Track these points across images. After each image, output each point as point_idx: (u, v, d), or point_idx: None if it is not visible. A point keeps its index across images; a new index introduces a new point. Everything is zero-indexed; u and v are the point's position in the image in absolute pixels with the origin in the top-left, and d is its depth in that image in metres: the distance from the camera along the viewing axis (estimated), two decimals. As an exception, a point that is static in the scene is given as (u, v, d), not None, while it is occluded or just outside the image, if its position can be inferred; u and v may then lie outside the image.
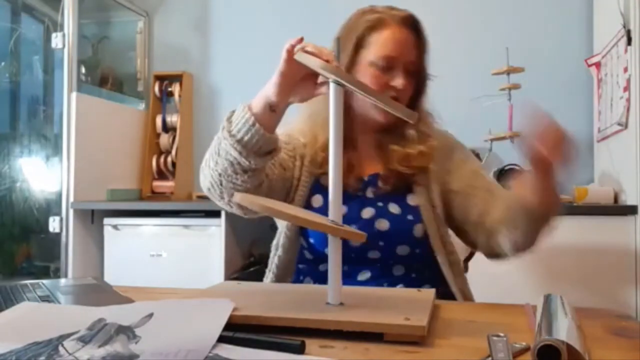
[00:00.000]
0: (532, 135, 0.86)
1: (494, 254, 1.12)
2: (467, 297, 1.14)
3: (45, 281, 1.02)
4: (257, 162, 0.93)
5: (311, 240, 1.11)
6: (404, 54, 1.10)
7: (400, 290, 0.94)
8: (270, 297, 0.85)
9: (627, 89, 1.89)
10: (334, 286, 0.77)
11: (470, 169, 1.17)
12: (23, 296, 0.88)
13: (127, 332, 0.64)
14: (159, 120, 2.81)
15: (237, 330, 0.64)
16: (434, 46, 1.15)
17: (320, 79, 0.89)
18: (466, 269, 1.50)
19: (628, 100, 1.88)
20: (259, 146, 0.92)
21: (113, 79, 2.89)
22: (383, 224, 1.09)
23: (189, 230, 2.34)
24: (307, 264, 1.14)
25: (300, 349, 0.60)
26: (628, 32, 1.86)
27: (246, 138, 0.91)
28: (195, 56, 2.95)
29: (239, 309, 0.71)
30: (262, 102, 0.90)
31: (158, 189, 2.79)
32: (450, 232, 1.18)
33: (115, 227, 2.43)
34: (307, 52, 0.83)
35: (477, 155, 1.91)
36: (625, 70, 1.90)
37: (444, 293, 1.09)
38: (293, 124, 1.20)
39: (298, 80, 0.89)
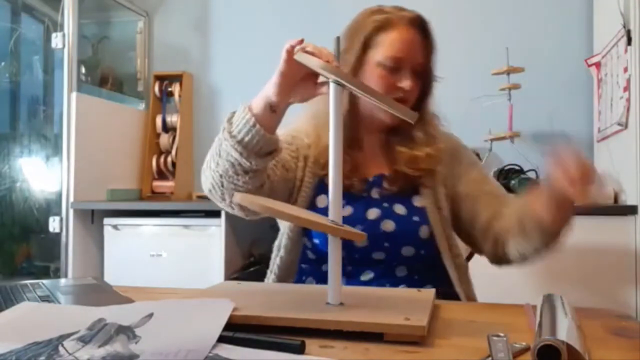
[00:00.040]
0: (560, 174, 0.84)
1: (499, 260, 1.14)
2: (472, 299, 1.14)
3: (45, 281, 1.02)
4: (258, 163, 0.93)
5: (315, 241, 1.11)
6: (411, 55, 1.10)
7: (400, 290, 0.94)
8: (270, 297, 0.85)
9: (627, 89, 1.89)
10: (334, 286, 0.77)
11: (478, 174, 1.19)
12: (23, 296, 0.88)
13: (127, 332, 0.64)
14: (159, 120, 2.81)
15: (237, 330, 0.64)
16: (434, 46, 1.15)
17: (320, 79, 0.89)
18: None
19: (628, 100, 1.88)
20: (260, 147, 0.92)
21: (113, 79, 2.88)
22: (389, 225, 1.09)
23: (189, 230, 2.34)
24: (309, 264, 1.14)
25: (300, 349, 0.60)
26: (628, 32, 1.86)
27: (247, 139, 0.91)
28: (195, 56, 2.95)
29: (239, 309, 0.71)
30: (263, 103, 0.90)
31: (158, 189, 2.79)
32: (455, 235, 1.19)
33: (115, 227, 2.43)
34: (307, 52, 0.83)
35: (477, 155, 1.90)
36: (625, 70, 1.90)
37: (448, 294, 1.10)
38: (297, 125, 1.19)
39: (298, 81, 0.88)
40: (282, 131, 1.16)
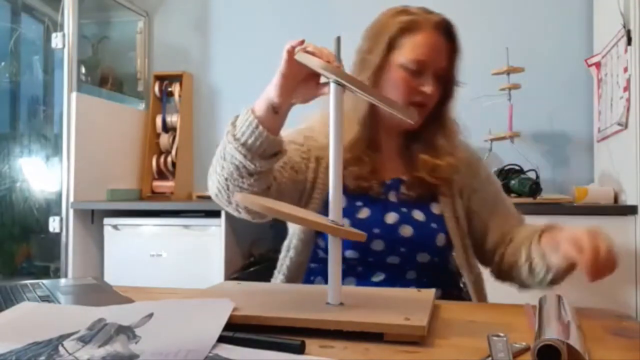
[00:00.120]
0: (581, 258, 0.83)
1: (502, 278, 1.16)
2: None
3: (45, 281, 1.02)
4: (262, 165, 0.93)
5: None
6: (435, 60, 1.09)
7: (400, 290, 0.94)
8: (270, 297, 0.85)
9: (627, 89, 1.89)
10: (334, 286, 0.77)
11: (493, 191, 1.19)
12: (23, 296, 0.88)
13: (127, 332, 0.64)
14: (159, 120, 2.81)
15: (237, 330, 0.64)
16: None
17: (322, 80, 0.89)
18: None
19: (628, 100, 1.88)
20: (263, 149, 0.91)
21: (113, 79, 2.88)
22: (407, 230, 1.08)
23: (189, 230, 2.34)
24: (319, 263, 1.13)
25: (300, 349, 0.60)
26: (628, 32, 1.86)
27: (250, 141, 0.90)
28: (195, 56, 2.95)
29: (239, 309, 0.71)
30: (265, 104, 0.90)
31: (158, 189, 2.79)
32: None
33: (115, 227, 2.43)
34: (307, 52, 0.83)
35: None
36: (625, 70, 1.90)
37: (458, 298, 1.11)
38: (310, 124, 1.18)
39: (300, 81, 0.88)
40: (293, 131, 1.16)
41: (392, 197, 1.13)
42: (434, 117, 1.14)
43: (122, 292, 0.93)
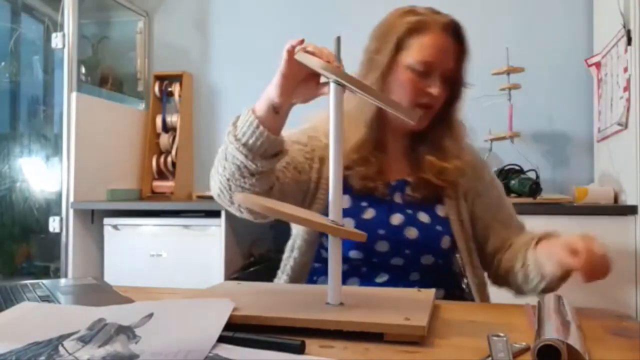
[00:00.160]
0: (576, 264, 0.84)
1: (499, 283, 1.17)
2: None
3: (45, 281, 1.02)
4: (263, 165, 0.93)
5: None
6: (442, 61, 1.08)
7: (400, 290, 0.94)
8: (270, 297, 0.85)
9: (627, 89, 1.89)
10: (334, 286, 0.77)
11: (496, 196, 1.19)
12: (23, 296, 0.88)
13: (127, 332, 0.64)
14: (159, 120, 2.81)
15: (237, 330, 0.64)
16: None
17: (322, 80, 0.89)
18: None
19: (628, 100, 1.88)
20: (264, 149, 0.91)
21: (113, 79, 2.88)
22: (412, 232, 1.08)
23: (189, 230, 2.34)
24: (323, 263, 1.13)
25: (300, 349, 0.60)
26: (628, 32, 1.86)
27: (251, 141, 0.90)
28: (195, 56, 2.95)
29: (239, 309, 0.71)
30: (265, 105, 0.90)
31: (158, 189, 2.79)
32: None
33: (115, 227, 2.43)
34: (307, 52, 0.83)
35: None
36: (625, 70, 1.90)
37: (461, 299, 1.12)
38: (315, 124, 1.17)
39: (300, 81, 0.88)
40: (297, 131, 1.15)
41: (398, 198, 1.13)
42: (441, 119, 1.14)
43: (122, 292, 0.93)
